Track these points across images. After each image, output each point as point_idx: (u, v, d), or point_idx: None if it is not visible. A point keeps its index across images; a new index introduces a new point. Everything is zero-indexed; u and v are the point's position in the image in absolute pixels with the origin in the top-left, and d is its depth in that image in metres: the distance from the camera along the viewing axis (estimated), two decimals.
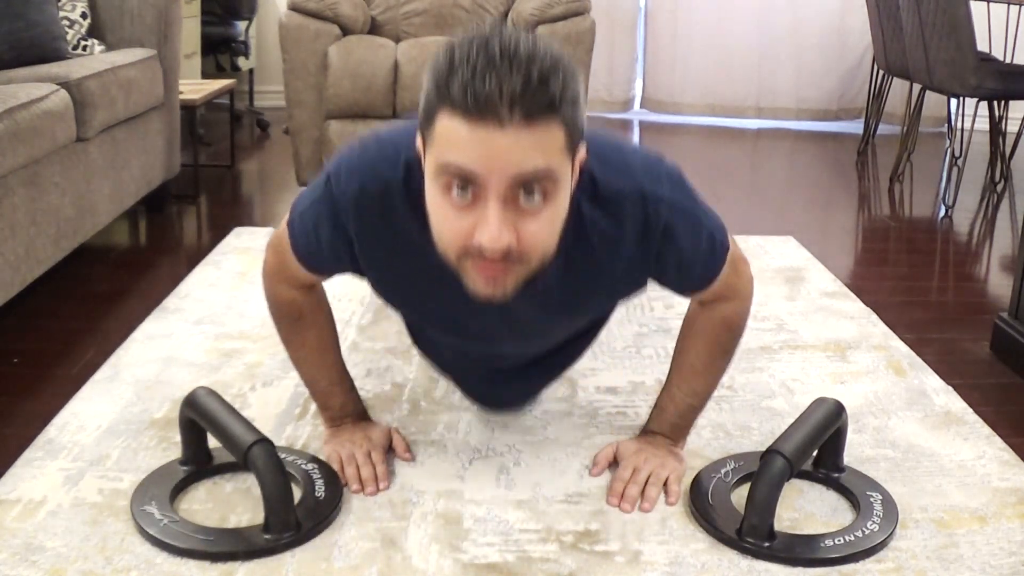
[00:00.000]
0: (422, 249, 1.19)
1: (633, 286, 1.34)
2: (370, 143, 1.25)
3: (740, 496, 1.38)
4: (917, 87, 3.71)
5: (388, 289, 1.37)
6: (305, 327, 1.46)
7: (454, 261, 1.09)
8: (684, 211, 1.24)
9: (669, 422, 1.49)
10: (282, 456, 1.37)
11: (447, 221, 1.06)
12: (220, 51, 4.52)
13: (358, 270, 1.32)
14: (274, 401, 1.70)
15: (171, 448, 1.51)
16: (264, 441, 1.30)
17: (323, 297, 1.47)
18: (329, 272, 1.37)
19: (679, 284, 1.35)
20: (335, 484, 1.40)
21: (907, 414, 1.71)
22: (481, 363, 1.56)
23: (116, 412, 1.64)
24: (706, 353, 1.44)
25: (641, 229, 1.22)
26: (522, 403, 1.70)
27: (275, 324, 1.48)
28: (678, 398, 1.47)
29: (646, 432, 1.52)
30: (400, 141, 1.20)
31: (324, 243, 1.28)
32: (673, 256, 1.26)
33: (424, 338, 1.59)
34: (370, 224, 1.23)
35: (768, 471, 1.30)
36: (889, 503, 1.39)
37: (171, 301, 2.17)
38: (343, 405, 1.53)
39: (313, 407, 1.66)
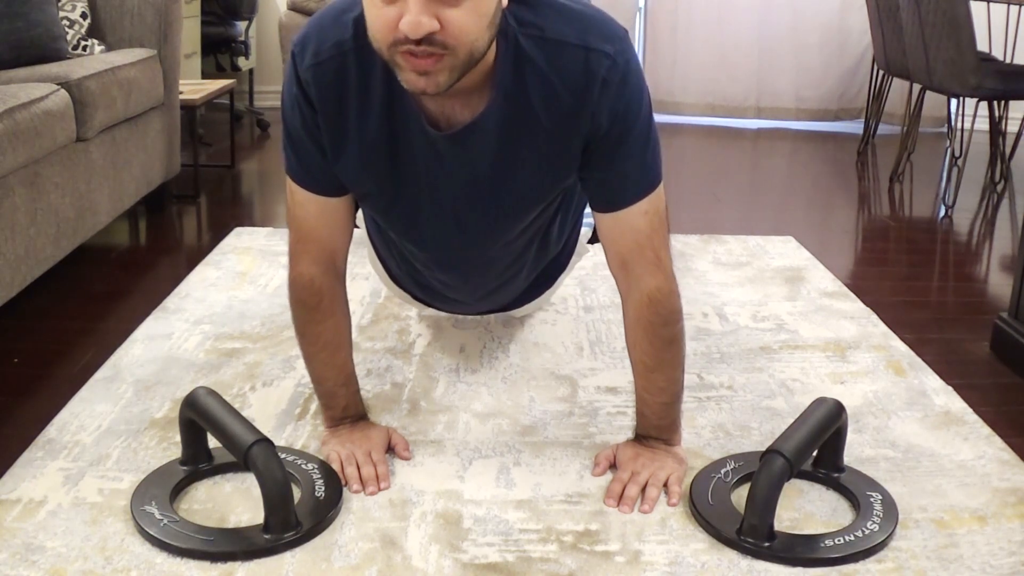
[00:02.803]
0: (378, 108, 1.26)
1: (568, 159, 1.32)
2: (320, 12, 1.31)
3: (740, 496, 1.38)
4: (917, 87, 3.71)
5: (357, 172, 1.36)
6: (322, 317, 1.45)
7: (387, 55, 1.15)
8: (628, 73, 1.26)
9: (652, 424, 1.49)
10: (282, 456, 1.37)
11: (376, 13, 1.13)
12: (220, 51, 4.51)
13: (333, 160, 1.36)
14: (274, 401, 1.70)
15: (171, 448, 1.51)
16: (264, 441, 1.31)
17: (341, 291, 1.47)
18: (320, 180, 1.39)
19: (608, 172, 1.32)
20: (335, 484, 1.40)
21: (907, 414, 1.71)
22: (452, 271, 1.57)
23: (116, 412, 1.64)
24: (648, 344, 1.42)
25: (579, 79, 1.25)
26: (497, 309, 1.79)
27: (293, 316, 1.47)
28: (648, 400, 1.47)
29: (638, 436, 1.52)
30: (347, 2, 1.27)
31: (299, 134, 1.34)
32: (607, 118, 1.26)
33: (397, 255, 1.62)
34: (331, 92, 1.29)
35: (768, 471, 1.30)
36: (889, 503, 1.39)
37: (171, 301, 2.17)
38: (346, 407, 1.53)
39: (313, 407, 1.66)
